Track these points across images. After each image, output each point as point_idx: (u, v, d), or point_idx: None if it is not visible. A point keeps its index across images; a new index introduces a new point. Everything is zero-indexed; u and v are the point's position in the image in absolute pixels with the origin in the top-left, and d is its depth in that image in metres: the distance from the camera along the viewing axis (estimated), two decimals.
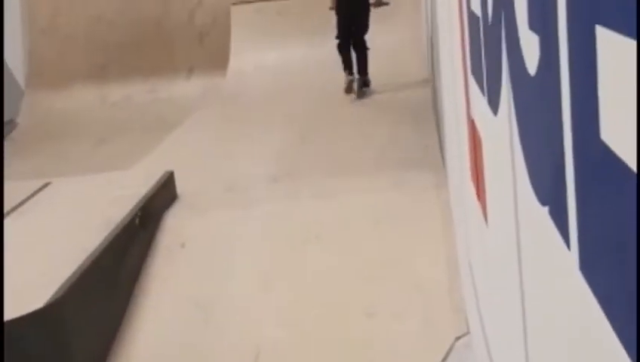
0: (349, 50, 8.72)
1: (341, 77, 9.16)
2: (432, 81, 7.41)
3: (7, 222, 5.34)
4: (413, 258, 4.85)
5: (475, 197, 2.52)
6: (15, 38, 10.82)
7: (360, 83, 8.78)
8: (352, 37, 8.65)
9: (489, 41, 1.79)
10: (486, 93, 1.93)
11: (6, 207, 5.58)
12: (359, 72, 8.78)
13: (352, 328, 4.31)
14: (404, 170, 6.10)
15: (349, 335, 4.26)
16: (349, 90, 8.68)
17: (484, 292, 2.58)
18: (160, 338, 4.52)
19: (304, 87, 9.33)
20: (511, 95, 1.51)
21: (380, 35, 9.96)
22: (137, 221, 5.18)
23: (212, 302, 4.76)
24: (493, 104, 1.78)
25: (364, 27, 8.68)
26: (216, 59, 10.48)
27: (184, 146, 7.88)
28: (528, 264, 1.51)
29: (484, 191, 2.23)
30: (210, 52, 10.73)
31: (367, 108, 8.31)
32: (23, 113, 10.70)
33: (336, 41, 8.70)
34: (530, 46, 1.23)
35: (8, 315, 3.80)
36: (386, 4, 8.76)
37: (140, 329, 4.54)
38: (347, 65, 8.74)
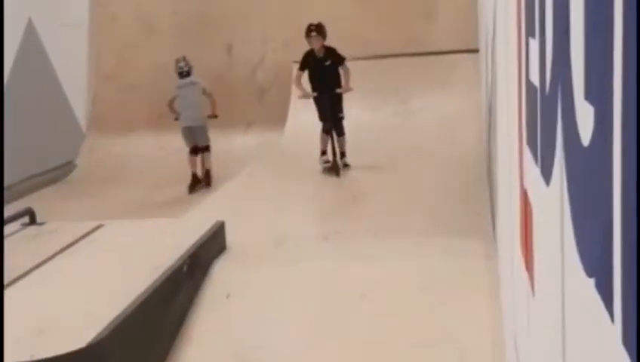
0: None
1: (395, 141, 9.21)
2: (487, 149, 7.40)
3: (58, 259, 5.43)
4: (458, 326, 4.80)
5: (523, 267, 2.50)
6: (80, 82, 11.09)
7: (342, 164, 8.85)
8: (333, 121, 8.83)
9: (545, 111, 1.79)
10: (539, 164, 1.92)
11: (58, 246, 5.67)
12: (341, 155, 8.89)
13: None
14: (454, 238, 6.07)
15: None
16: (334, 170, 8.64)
17: None
18: None
19: (358, 148, 9.37)
20: (564, 166, 1.51)
21: (438, 100, 10.03)
22: (185, 268, 5.22)
23: (253, 356, 4.75)
24: (546, 174, 1.78)
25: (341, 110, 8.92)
26: (275, 115, 10.59)
27: (236, 199, 7.95)
28: (572, 336, 1.49)
29: (532, 261, 2.22)
30: (269, 108, 10.87)
31: (420, 172, 8.30)
32: (82, 156, 10.92)
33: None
34: (585, 117, 1.23)
35: (51, 352, 3.84)
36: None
37: None
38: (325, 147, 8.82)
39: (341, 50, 8.82)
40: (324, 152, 8.77)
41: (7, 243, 6.03)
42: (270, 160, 9.65)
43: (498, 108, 4.40)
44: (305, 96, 8.85)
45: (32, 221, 6.54)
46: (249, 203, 7.67)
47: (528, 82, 2.17)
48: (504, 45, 3.51)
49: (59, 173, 10.34)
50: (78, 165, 10.74)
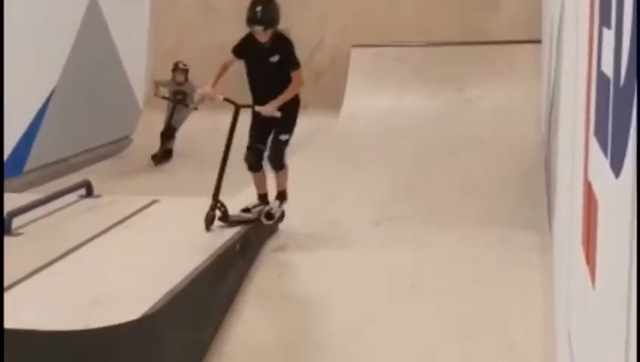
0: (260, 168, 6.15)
1: (451, 129, 9.13)
2: (546, 141, 7.32)
3: (112, 233, 5.50)
4: (509, 320, 4.76)
5: (583, 261, 2.47)
6: (139, 58, 11.18)
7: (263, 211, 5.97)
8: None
9: (619, 102, 1.76)
10: (609, 156, 1.89)
11: (114, 219, 5.74)
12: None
13: None
14: (509, 229, 6.02)
15: None
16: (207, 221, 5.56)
17: (584, 360, 2.51)
18: None
19: (414, 134, 9.33)
20: (636, 158, 1.49)
21: (496, 90, 9.94)
22: (238, 247, 5.26)
23: (300, 339, 4.77)
24: (616, 167, 1.75)
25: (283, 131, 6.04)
26: (331, 99, 10.58)
27: (290, 181, 7.95)
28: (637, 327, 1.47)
29: (594, 254, 2.19)
30: (325, 91, 10.84)
31: (477, 162, 8.23)
32: (138, 131, 11.02)
33: None
34: None
35: (105, 322, 3.89)
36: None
37: (228, 355, 4.57)
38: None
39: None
40: (260, 196, 6.11)
41: (64, 214, 6.13)
42: (324, 143, 9.65)
43: (562, 99, 4.34)
44: (202, 99, 6.15)
45: (89, 193, 6.64)
46: (302, 186, 7.67)
47: (600, 73, 2.13)
48: (573, 36, 3.46)
49: (115, 147, 10.47)
50: (135, 140, 10.85)
